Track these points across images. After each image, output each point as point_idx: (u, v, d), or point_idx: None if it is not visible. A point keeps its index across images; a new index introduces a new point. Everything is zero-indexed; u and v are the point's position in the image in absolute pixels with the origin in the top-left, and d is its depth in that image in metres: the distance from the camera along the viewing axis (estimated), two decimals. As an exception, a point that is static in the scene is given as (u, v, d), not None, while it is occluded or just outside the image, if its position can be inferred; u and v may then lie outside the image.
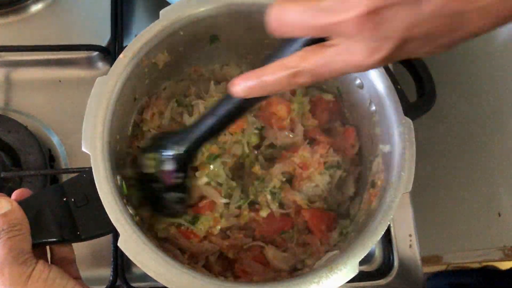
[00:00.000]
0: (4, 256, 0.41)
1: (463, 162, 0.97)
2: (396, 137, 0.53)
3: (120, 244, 0.45)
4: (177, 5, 0.53)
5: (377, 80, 0.55)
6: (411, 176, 0.51)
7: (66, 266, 0.47)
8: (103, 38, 0.75)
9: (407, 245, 0.70)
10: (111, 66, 0.72)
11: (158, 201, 0.55)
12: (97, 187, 0.45)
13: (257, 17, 0.56)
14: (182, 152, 0.52)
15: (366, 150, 0.62)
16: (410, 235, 0.70)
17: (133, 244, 0.45)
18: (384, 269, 0.68)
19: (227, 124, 0.50)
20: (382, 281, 0.68)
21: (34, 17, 0.77)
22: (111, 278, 0.64)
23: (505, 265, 1.08)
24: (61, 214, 0.46)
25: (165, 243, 0.57)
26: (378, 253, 0.70)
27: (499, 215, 0.88)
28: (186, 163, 0.54)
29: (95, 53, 0.74)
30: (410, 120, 0.53)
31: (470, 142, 0.91)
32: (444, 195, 1.07)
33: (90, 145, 0.47)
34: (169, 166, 0.52)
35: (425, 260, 1.06)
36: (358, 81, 0.58)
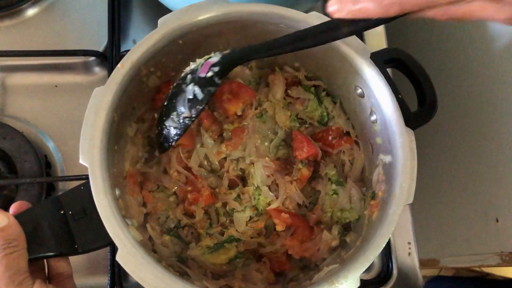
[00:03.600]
0: (0, 276, 0.40)
1: (462, 168, 0.97)
2: (398, 147, 0.52)
3: (118, 258, 0.44)
4: (176, 14, 0.52)
5: (378, 89, 0.54)
6: (412, 187, 0.51)
7: (63, 281, 0.47)
8: (100, 43, 0.74)
9: (406, 253, 0.70)
10: (108, 71, 0.72)
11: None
12: (95, 200, 0.44)
13: (257, 25, 0.55)
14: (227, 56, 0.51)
15: (367, 160, 0.61)
16: (409, 243, 0.70)
17: (132, 258, 0.44)
18: (383, 277, 0.68)
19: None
20: (381, 289, 0.67)
21: (30, 22, 0.76)
22: (108, 286, 0.63)
23: (502, 271, 1.08)
24: (58, 228, 0.46)
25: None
26: (377, 261, 0.70)
27: (497, 220, 0.89)
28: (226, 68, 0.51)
29: (92, 58, 0.74)
30: (412, 131, 0.53)
31: (468, 148, 0.92)
32: (443, 200, 1.07)
33: (88, 157, 0.46)
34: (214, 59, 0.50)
35: (422, 263, 1.06)
36: (359, 90, 0.57)
